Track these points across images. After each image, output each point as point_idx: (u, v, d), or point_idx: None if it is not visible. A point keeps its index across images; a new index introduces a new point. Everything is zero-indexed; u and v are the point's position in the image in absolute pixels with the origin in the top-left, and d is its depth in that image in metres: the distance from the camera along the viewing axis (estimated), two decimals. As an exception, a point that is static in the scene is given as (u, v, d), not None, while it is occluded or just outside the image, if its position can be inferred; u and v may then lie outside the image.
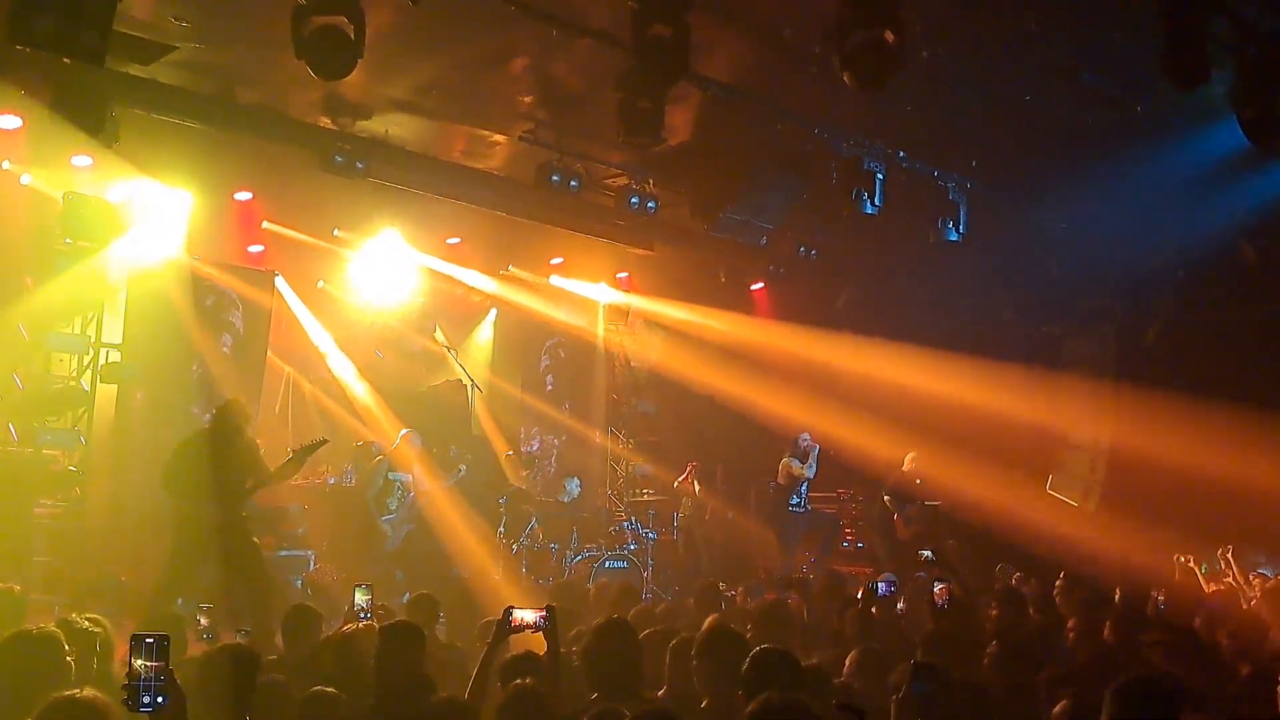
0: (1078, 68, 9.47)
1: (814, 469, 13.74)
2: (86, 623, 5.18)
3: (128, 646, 6.30)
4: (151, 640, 3.38)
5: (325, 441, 9.20)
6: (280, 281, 12.99)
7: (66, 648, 4.56)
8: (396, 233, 12.94)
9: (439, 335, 14.39)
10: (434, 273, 14.05)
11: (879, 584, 7.27)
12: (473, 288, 14.50)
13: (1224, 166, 10.82)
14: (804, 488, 13.77)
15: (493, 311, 14.77)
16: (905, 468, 13.73)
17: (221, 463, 8.48)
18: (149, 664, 3.36)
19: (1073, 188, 11.87)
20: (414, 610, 7.14)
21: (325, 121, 10.60)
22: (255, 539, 8.80)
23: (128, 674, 3.34)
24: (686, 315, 15.25)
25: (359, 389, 13.84)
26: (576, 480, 13.48)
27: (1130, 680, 4.07)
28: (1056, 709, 4.24)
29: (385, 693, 4.86)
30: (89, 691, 3.70)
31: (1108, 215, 12.29)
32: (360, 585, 6.42)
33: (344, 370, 13.91)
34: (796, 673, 4.45)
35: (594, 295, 15.67)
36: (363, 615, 6.17)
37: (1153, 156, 10.95)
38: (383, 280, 13.68)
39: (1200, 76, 7.38)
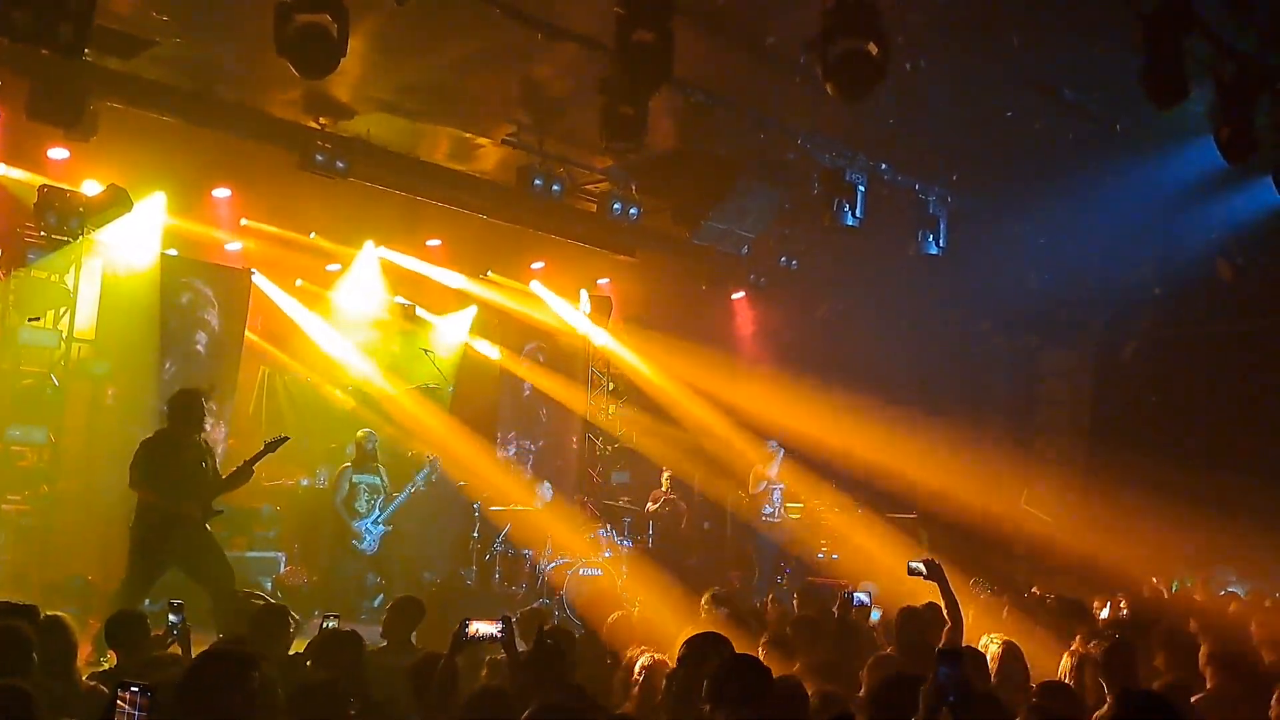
0: (1058, 84, 9.55)
1: (775, 471, 13.78)
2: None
3: (92, 646, 6.26)
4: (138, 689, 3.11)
5: (285, 440, 9.07)
6: (260, 278, 12.84)
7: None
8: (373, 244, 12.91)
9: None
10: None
11: (856, 594, 7.24)
12: (451, 289, 14.41)
13: (1201, 184, 10.92)
14: (777, 496, 13.76)
15: (472, 309, 14.61)
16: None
17: (178, 457, 8.37)
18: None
19: (1052, 202, 11.94)
20: (395, 614, 6.99)
21: (306, 120, 10.53)
22: (216, 540, 8.66)
23: None
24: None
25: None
26: (548, 485, 13.40)
27: (1128, 692, 4.17)
28: None
29: None
30: None
31: (1087, 230, 12.36)
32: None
33: (340, 352, 13.83)
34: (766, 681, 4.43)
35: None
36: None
37: (1131, 173, 11.04)
38: (362, 286, 13.63)
39: (1179, 94, 7.44)
